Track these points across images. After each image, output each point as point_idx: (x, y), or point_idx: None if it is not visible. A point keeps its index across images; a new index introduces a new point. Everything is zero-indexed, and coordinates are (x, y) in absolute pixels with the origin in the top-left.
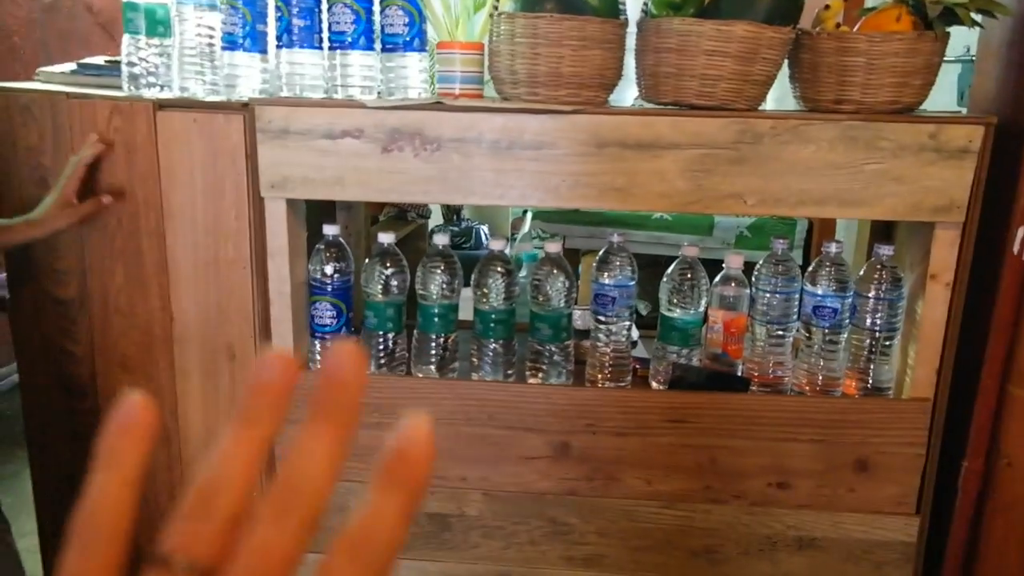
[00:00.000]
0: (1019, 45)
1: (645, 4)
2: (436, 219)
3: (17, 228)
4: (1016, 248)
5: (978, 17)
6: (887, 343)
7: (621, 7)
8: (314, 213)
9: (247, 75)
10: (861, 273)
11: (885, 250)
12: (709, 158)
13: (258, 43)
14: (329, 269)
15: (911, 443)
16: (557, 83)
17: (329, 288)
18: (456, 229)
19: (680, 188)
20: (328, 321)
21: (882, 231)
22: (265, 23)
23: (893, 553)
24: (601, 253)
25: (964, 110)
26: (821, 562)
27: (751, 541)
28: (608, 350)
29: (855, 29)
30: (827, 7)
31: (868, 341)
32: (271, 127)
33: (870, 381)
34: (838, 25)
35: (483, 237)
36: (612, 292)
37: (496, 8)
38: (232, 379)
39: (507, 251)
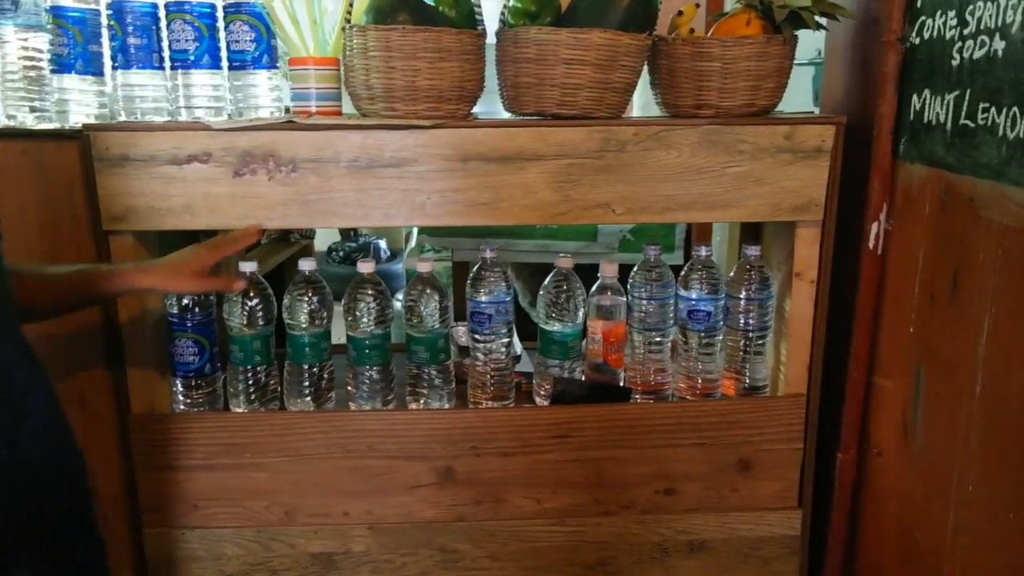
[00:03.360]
0: (861, 47)
1: (502, 14)
2: (332, 237)
3: (122, 273)
4: (871, 242)
5: (822, 20)
6: (760, 342)
7: (479, 18)
8: (172, 243)
9: (81, 99)
10: (731, 275)
11: (752, 251)
12: (575, 168)
13: (91, 65)
14: (187, 302)
15: (789, 439)
16: (415, 97)
17: (189, 324)
18: (354, 245)
19: (547, 200)
20: (191, 359)
21: (750, 232)
22: (99, 43)
23: (780, 547)
24: (475, 270)
25: (818, 110)
26: (712, 563)
27: (643, 549)
28: (488, 369)
29: (708, 34)
30: (680, 13)
31: (742, 342)
32: (109, 154)
33: (747, 381)
34: (692, 31)
35: (382, 252)
36: (488, 309)
37: (348, 21)
38: (86, 431)
39: (402, 267)
